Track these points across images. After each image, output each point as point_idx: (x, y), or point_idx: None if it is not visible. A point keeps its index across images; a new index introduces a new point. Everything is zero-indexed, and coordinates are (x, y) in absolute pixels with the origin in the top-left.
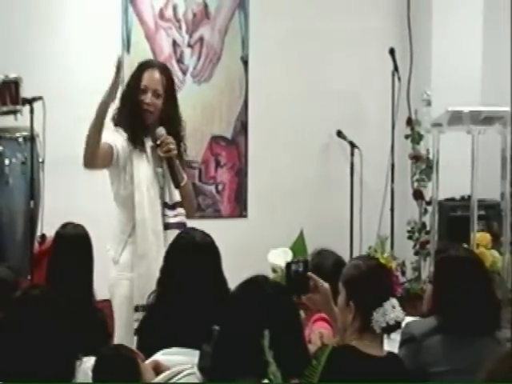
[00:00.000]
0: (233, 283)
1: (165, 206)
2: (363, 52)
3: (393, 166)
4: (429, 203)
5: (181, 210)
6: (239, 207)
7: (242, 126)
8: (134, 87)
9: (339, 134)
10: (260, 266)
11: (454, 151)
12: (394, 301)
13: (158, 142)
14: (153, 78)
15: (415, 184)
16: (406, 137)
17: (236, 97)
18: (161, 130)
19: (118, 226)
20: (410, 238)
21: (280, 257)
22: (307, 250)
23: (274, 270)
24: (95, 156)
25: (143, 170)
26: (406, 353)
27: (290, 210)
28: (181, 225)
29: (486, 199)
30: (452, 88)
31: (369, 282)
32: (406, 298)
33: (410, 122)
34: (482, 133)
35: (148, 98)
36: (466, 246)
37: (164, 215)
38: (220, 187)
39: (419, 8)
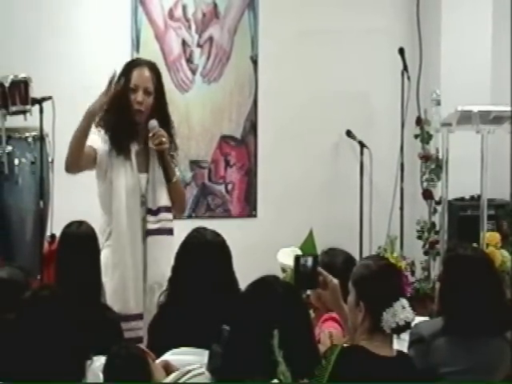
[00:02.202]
0: (242, 283)
1: (147, 211)
2: (373, 52)
3: (402, 165)
4: (438, 203)
5: (166, 215)
6: (249, 207)
7: (252, 126)
8: (124, 87)
9: (349, 133)
10: (269, 265)
11: (464, 151)
12: (403, 301)
13: (151, 134)
14: (142, 75)
15: (425, 184)
16: (416, 136)
17: (245, 96)
18: (153, 123)
19: (100, 226)
20: (419, 237)
21: (289, 256)
22: (317, 250)
23: (284, 270)
24: (78, 161)
25: (124, 178)
26: (415, 354)
27: (300, 209)
28: (163, 231)
29: (495, 199)
30: (461, 87)
31: (379, 281)
32: (416, 298)
33: (419, 121)
34: (492, 132)
35: (139, 96)
36: (475, 245)
37: (146, 221)
38: (229, 187)
39: (428, 7)
